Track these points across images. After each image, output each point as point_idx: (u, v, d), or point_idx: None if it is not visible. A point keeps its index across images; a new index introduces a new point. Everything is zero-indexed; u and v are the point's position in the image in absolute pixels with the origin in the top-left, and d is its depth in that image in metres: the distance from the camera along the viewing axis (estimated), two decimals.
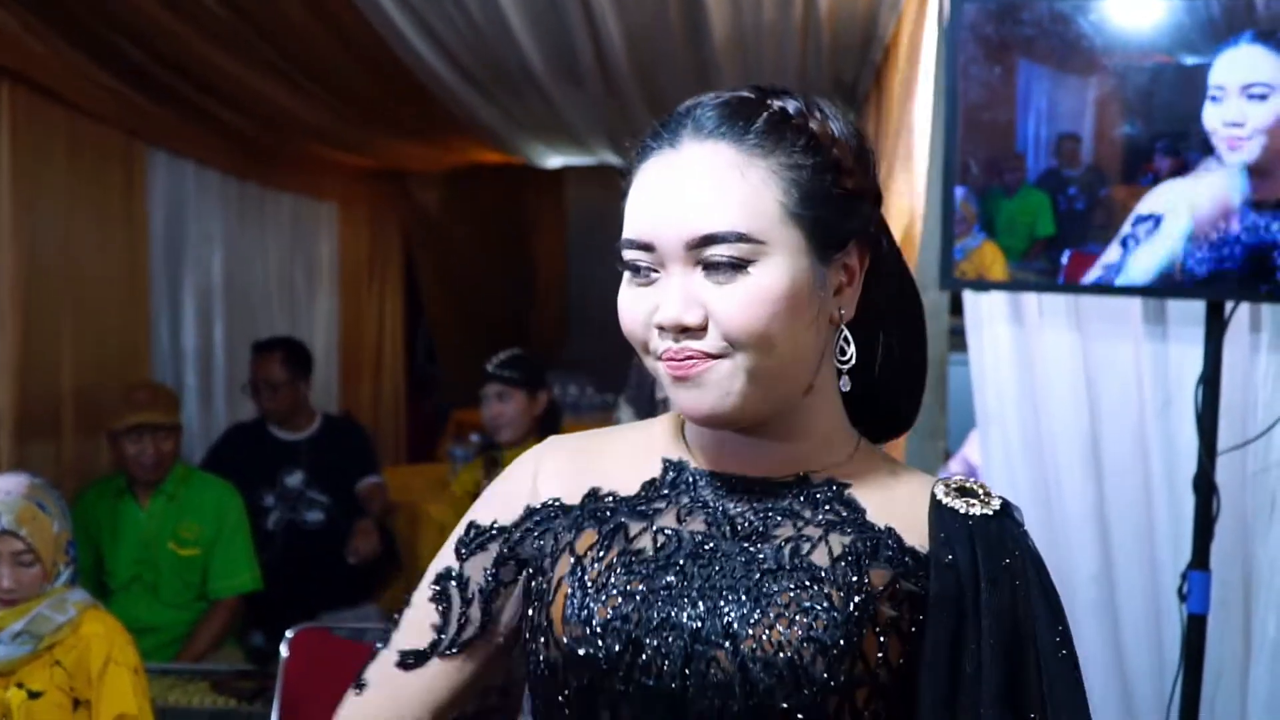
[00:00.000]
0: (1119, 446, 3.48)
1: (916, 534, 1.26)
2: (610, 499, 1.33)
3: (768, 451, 1.29)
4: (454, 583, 1.37)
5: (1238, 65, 2.71)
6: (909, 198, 4.03)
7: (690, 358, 1.20)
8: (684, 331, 1.20)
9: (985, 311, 3.59)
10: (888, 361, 1.36)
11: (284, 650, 3.32)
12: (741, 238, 1.18)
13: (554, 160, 7.45)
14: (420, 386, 9.16)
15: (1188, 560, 3.24)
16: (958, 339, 3.96)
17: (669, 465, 1.33)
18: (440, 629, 1.36)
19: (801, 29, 4.57)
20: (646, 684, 1.21)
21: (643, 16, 4.54)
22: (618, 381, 7.74)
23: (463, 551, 1.38)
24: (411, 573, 5.68)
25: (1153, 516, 3.46)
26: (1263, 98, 2.69)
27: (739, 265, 1.19)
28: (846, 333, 1.28)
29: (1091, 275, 3.08)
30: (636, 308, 1.24)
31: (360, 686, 1.39)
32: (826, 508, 1.27)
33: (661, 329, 1.21)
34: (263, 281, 6.62)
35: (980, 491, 1.29)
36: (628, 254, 1.24)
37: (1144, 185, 2.92)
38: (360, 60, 5.13)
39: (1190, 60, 2.81)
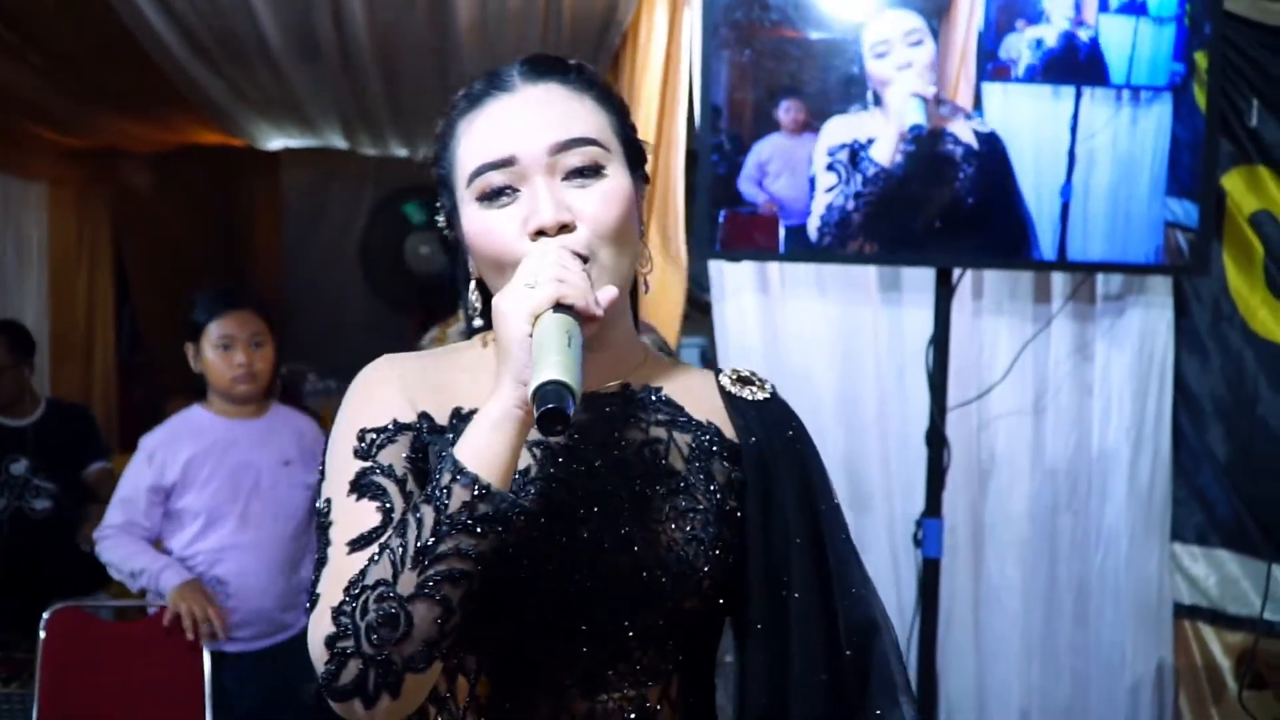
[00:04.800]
0: (861, 405, 3.73)
1: (725, 423, 1.50)
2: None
3: (591, 367, 1.37)
4: (378, 474, 1.37)
5: (893, 23, 3.31)
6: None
7: None
8: (560, 230, 1.36)
9: (730, 283, 3.78)
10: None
11: (42, 631, 3.27)
12: (595, 143, 1.41)
13: (276, 141, 7.32)
14: (129, 374, 8.83)
15: (922, 509, 3.52)
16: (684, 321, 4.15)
17: None
18: (386, 510, 1.34)
19: (544, 13, 4.67)
20: (554, 590, 1.37)
21: None
22: (335, 366, 7.68)
23: (371, 450, 1.39)
24: None
25: (891, 469, 3.72)
26: (919, 42, 3.30)
27: (596, 170, 1.40)
28: (648, 249, 1.50)
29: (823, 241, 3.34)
30: (499, 228, 1.39)
31: (315, 598, 1.32)
32: (654, 409, 1.48)
33: (541, 233, 1.36)
34: None
35: (755, 379, 1.55)
36: (485, 177, 1.39)
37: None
38: (83, 27, 4.96)
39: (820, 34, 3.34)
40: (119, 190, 8.32)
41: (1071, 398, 3.73)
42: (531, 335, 1.26)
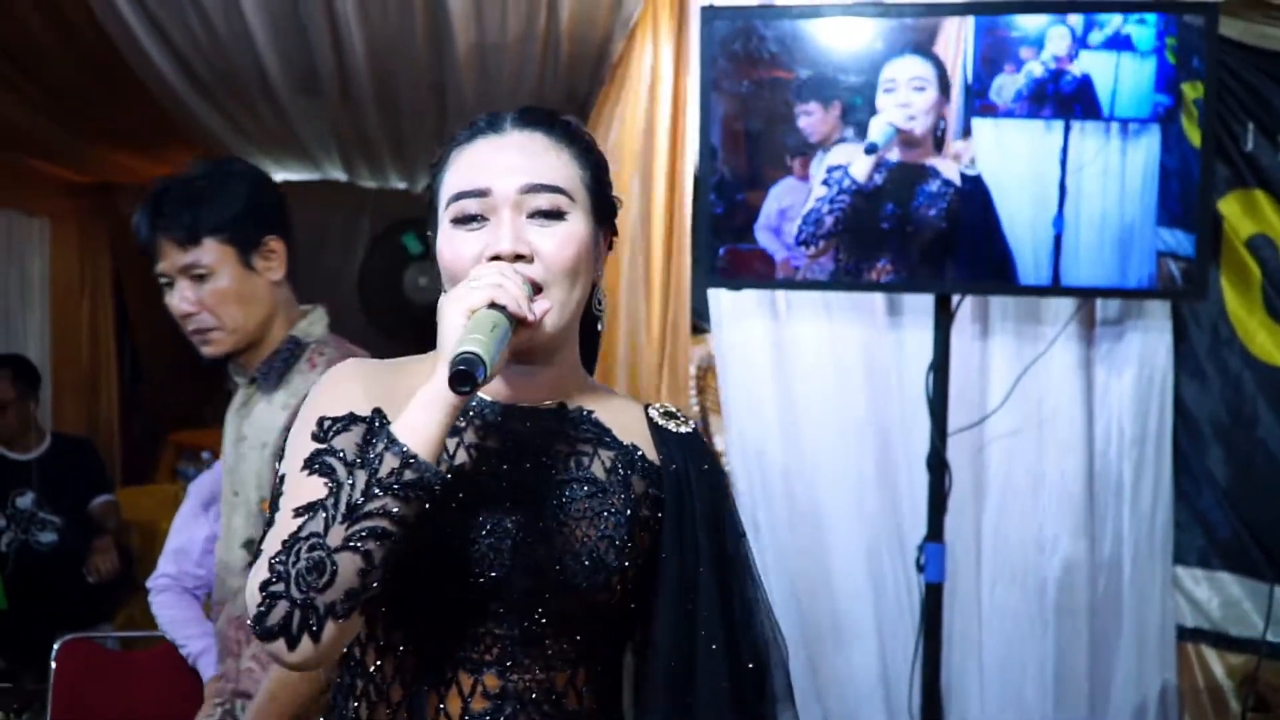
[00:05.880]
0: (865, 429, 3.75)
1: (649, 448, 1.66)
2: None
3: (533, 383, 1.63)
4: (330, 455, 1.53)
5: (904, 67, 3.45)
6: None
7: None
8: (516, 260, 1.54)
9: (729, 307, 3.81)
10: (596, 319, 1.72)
11: (53, 662, 3.31)
12: (561, 190, 1.59)
13: (275, 174, 7.34)
14: (131, 407, 8.85)
15: (924, 533, 3.54)
16: None
17: None
18: (332, 487, 1.45)
19: (542, 45, 4.71)
20: (477, 574, 1.53)
21: (388, 28, 4.60)
22: None
23: (328, 435, 1.55)
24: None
25: (899, 492, 3.74)
26: (921, 89, 3.42)
27: (559, 214, 1.58)
28: (602, 289, 1.69)
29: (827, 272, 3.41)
30: (465, 248, 1.57)
31: (258, 554, 1.45)
32: (584, 428, 1.65)
33: (497, 259, 1.54)
34: None
35: (679, 415, 1.72)
36: (461, 204, 1.58)
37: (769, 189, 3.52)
38: (85, 63, 5.01)
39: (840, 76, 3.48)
40: (119, 224, 8.36)
41: (1072, 421, 3.75)
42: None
